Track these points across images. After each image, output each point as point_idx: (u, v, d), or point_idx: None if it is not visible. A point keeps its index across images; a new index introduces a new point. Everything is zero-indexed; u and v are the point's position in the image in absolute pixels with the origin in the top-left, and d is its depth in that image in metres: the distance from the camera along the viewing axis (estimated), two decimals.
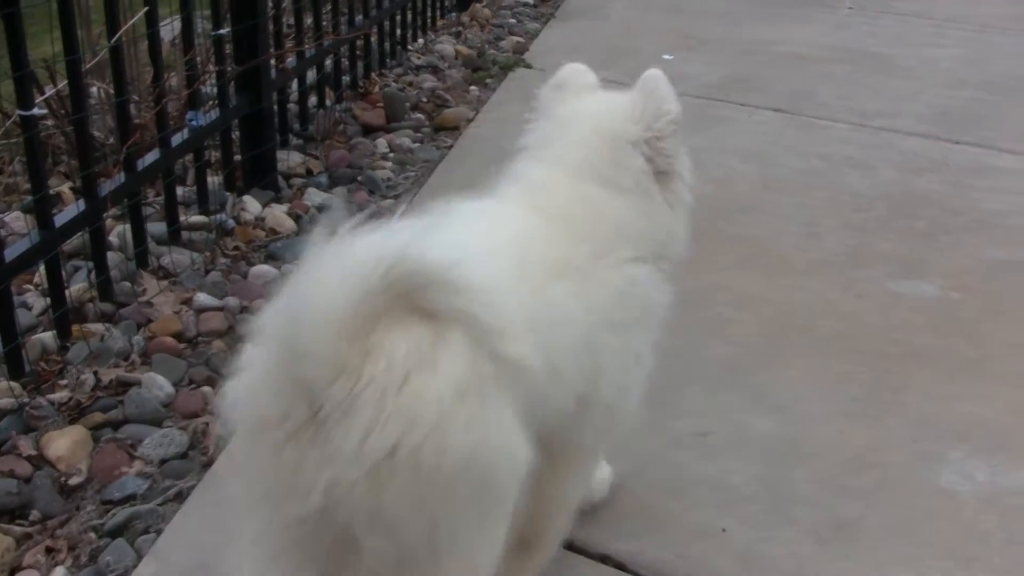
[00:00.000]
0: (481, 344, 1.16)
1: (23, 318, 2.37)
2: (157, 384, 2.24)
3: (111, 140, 2.95)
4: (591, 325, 1.46)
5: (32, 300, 2.54)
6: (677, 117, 1.67)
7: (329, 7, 3.72)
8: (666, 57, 4.57)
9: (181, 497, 1.96)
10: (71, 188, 3.02)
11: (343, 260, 1.14)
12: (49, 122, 3.04)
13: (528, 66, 4.42)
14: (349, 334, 1.13)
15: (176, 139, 2.78)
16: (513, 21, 5.18)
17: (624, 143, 1.62)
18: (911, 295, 2.73)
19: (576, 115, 1.72)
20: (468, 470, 1.15)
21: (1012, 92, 4.42)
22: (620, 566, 1.80)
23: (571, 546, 1.83)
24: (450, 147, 3.58)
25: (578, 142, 1.65)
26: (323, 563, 1.23)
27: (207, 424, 2.15)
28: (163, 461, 2.06)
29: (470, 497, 1.18)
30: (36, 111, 2.25)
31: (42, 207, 2.29)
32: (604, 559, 1.82)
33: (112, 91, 2.63)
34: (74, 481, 2.00)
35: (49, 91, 2.88)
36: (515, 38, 4.87)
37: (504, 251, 1.41)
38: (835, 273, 2.83)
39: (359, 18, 3.92)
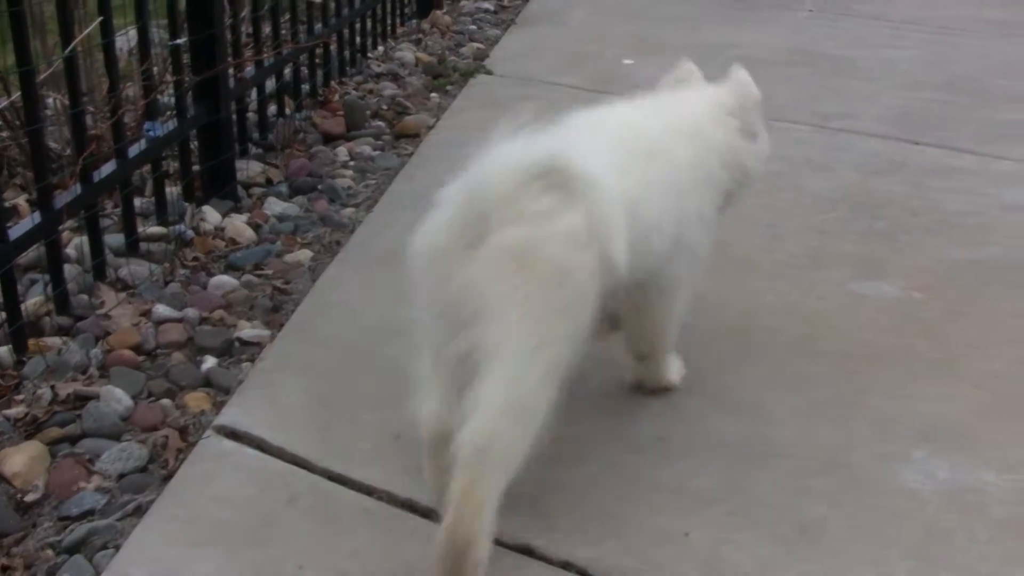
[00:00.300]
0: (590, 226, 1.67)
1: None
2: (115, 397, 2.21)
3: (67, 152, 2.92)
4: (679, 196, 2.06)
5: None
6: (758, 99, 2.39)
7: (288, 15, 3.70)
8: (627, 62, 4.57)
9: (140, 512, 1.93)
10: (27, 200, 2.98)
11: (511, 151, 1.67)
12: (3, 133, 3.00)
13: (489, 72, 4.40)
14: (516, 185, 1.66)
15: (133, 150, 2.75)
16: (474, 27, 5.17)
17: (723, 111, 2.31)
18: (873, 296, 2.74)
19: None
20: (558, 275, 1.64)
21: (971, 93, 4.44)
22: (582, 572, 1.79)
23: (532, 553, 1.81)
24: (411, 154, 3.56)
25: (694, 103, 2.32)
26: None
27: (166, 437, 2.12)
28: (122, 475, 2.03)
29: (553, 293, 1.65)
30: None
31: None
32: (566, 565, 1.80)
33: (67, 102, 2.59)
34: (31, 498, 1.96)
35: (2, 102, 2.84)
36: (476, 44, 4.86)
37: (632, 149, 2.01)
38: (798, 275, 2.83)
39: (318, 26, 3.90)
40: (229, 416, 2.18)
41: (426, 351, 1.75)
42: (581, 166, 1.68)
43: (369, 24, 4.54)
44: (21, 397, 2.24)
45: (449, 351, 1.66)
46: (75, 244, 2.71)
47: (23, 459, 2.04)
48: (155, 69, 2.93)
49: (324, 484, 2.00)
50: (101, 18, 2.59)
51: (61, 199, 2.45)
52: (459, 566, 1.60)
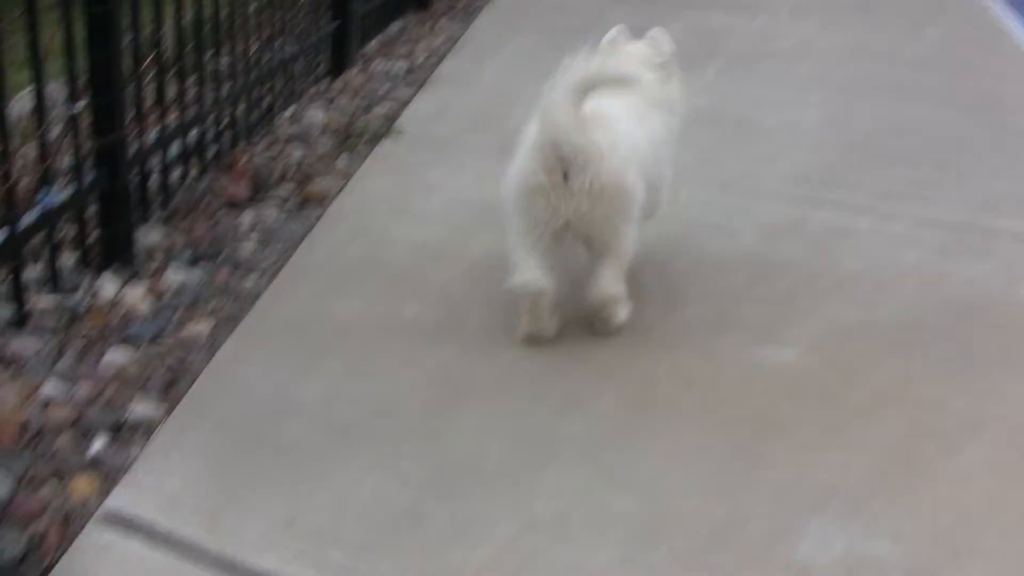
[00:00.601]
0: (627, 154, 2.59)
1: None
2: None
3: None
4: (653, 140, 2.86)
5: None
6: (671, 51, 3.21)
7: (194, 78, 3.64)
8: None
9: None
10: None
11: (564, 82, 2.44)
12: None
13: (399, 135, 4.36)
14: (579, 131, 2.45)
15: (26, 219, 2.66)
16: (386, 88, 5.13)
17: (653, 63, 3.08)
18: (770, 363, 2.73)
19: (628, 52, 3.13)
20: (627, 194, 2.58)
21: (869, 152, 4.50)
22: None
23: None
24: (317, 220, 3.50)
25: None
26: (559, 251, 2.61)
27: (47, 526, 2.02)
28: None
29: (627, 208, 2.59)
30: None
31: None
32: None
33: None
34: None
35: None
36: (386, 106, 4.82)
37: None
38: (696, 343, 2.82)
39: (226, 88, 3.84)
40: (117, 501, 2.10)
41: (525, 242, 2.58)
42: (608, 111, 2.64)
43: (279, 85, 4.48)
44: None
45: (547, 243, 2.57)
46: None
47: None
48: (52, 134, 2.84)
49: (214, 574, 1.92)
50: None
51: None
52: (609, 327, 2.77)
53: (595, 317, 2.76)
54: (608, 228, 2.59)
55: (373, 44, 5.91)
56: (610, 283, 2.66)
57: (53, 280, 2.85)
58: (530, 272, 2.58)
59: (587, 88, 2.46)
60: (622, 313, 2.77)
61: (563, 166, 2.47)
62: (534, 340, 2.72)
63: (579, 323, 2.83)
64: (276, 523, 2.04)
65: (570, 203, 2.50)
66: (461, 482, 2.19)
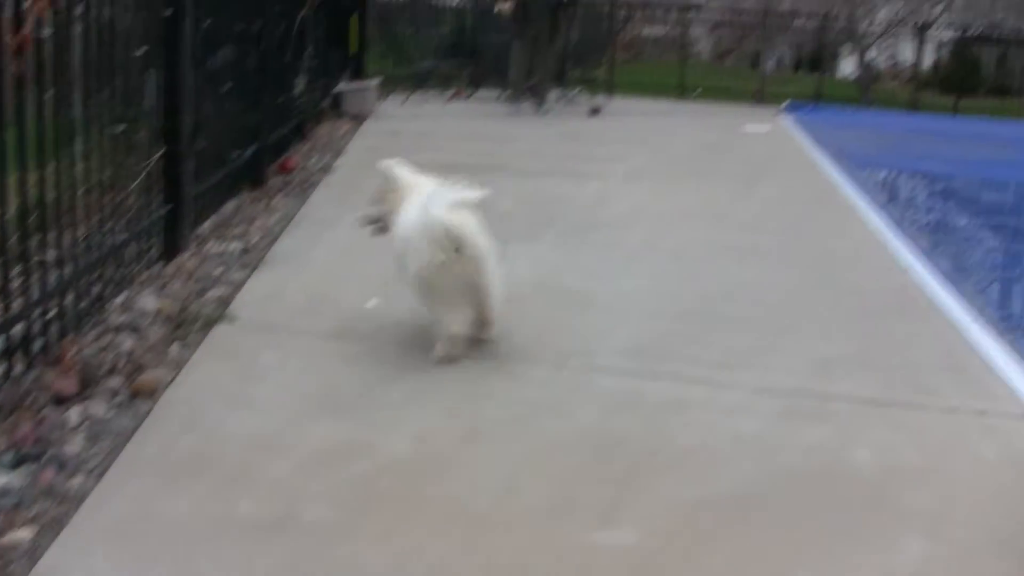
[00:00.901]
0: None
1: None
2: None
3: None
4: None
5: None
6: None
7: (20, 267, 3.61)
8: (369, 305, 4.63)
9: None
10: None
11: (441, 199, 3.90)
12: None
13: (232, 320, 4.38)
14: (461, 221, 3.87)
15: None
16: (220, 271, 5.16)
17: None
18: (609, 546, 2.80)
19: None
20: (489, 256, 3.93)
21: (704, 319, 4.70)
22: None
23: None
24: (147, 414, 3.47)
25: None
26: (470, 298, 3.95)
27: None
28: None
29: (493, 263, 3.95)
30: None
31: None
32: None
33: None
34: None
35: None
36: (221, 289, 4.84)
37: None
38: (534, 529, 2.87)
39: (54, 277, 3.81)
40: None
41: (446, 304, 3.95)
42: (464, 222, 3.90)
43: (110, 271, 4.47)
44: None
45: (464, 291, 3.91)
46: None
47: None
48: None
49: None
50: None
51: None
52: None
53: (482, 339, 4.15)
54: (487, 279, 3.95)
55: (207, 225, 5.96)
56: (492, 313, 4.11)
57: None
58: (458, 325, 3.97)
59: (457, 202, 3.88)
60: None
61: (454, 245, 3.80)
62: (452, 360, 3.99)
63: (410, 520, 2.85)
64: None
65: (465, 267, 3.85)
66: None
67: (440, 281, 3.89)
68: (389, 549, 2.70)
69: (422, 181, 4.24)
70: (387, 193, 4.30)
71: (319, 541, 2.74)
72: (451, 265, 3.83)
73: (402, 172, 4.31)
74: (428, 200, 3.89)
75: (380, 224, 4.37)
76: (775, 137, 12.43)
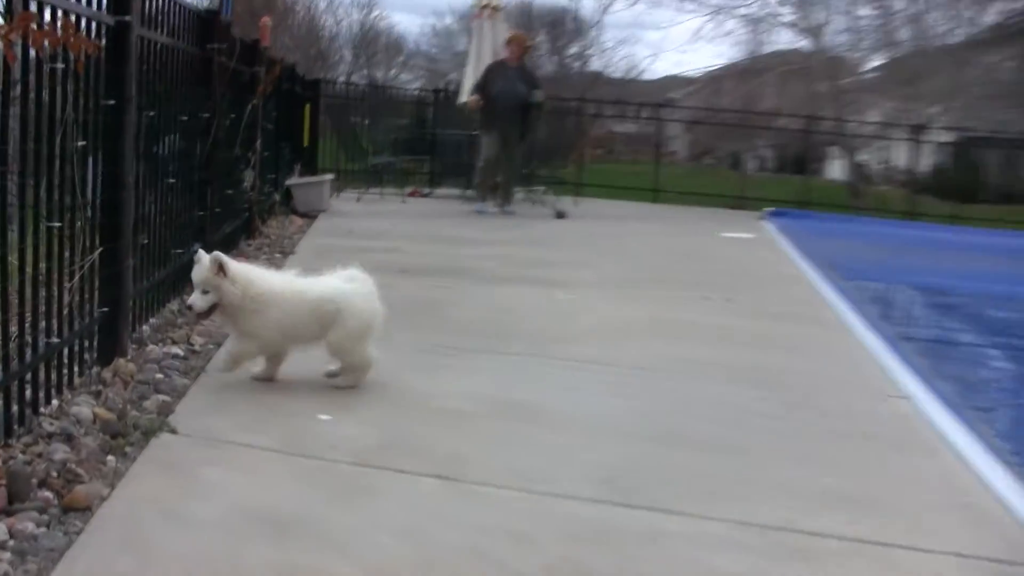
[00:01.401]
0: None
1: None
2: None
3: None
4: None
5: None
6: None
7: None
8: (323, 417, 4.70)
9: None
10: None
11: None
12: None
13: (173, 431, 4.43)
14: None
15: None
16: (160, 376, 5.21)
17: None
18: None
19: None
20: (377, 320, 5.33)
21: (680, 443, 4.76)
22: None
23: None
24: (80, 532, 3.50)
25: None
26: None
27: None
28: None
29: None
30: None
31: None
32: None
33: None
34: None
35: None
36: (161, 396, 4.90)
37: None
38: None
39: None
40: None
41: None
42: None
43: (43, 374, 4.51)
44: None
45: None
46: None
47: None
48: None
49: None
50: None
51: None
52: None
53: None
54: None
55: (148, 327, 6.02)
56: None
57: None
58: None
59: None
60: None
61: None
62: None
63: None
64: None
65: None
66: None
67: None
68: None
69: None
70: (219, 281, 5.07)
71: None
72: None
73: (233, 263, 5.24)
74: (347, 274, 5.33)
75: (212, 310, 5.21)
76: (757, 245, 12.65)
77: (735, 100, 24.70)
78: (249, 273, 5.23)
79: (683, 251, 11.64)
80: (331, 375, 5.36)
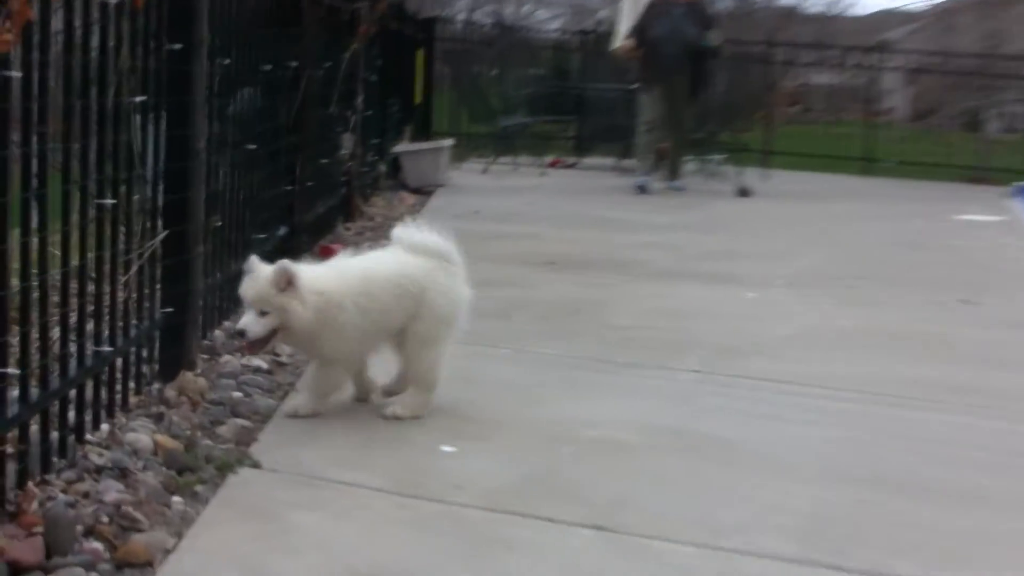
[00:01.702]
0: None
1: None
2: None
3: None
4: None
5: None
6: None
7: None
8: (445, 449, 4.64)
9: None
10: None
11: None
12: None
13: (255, 465, 4.40)
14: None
15: None
16: (238, 395, 5.21)
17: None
18: None
19: None
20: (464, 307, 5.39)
21: (906, 489, 4.57)
22: None
23: None
24: None
25: None
26: None
27: None
28: None
29: None
30: None
31: None
32: None
33: None
34: None
35: None
36: (239, 421, 4.88)
37: None
38: None
39: (14, 407, 3.87)
40: None
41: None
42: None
43: (90, 393, 4.52)
44: None
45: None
46: None
47: None
48: None
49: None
50: None
51: None
52: None
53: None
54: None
55: (221, 333, 6.03)
56: None
57: None
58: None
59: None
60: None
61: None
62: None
63: None
64: None
65: None
66: None
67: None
68: None
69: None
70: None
71: None
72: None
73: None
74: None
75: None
76: (1004, 230, 12.33)
77: (973, 41, 24.13)
78: (320, 281, 4.96)
79: (904, 239, 11.35)
80: (386, 394, 5.28)
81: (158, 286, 5.22)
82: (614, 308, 7.45)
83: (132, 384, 5.00)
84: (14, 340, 3.91)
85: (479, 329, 5.68)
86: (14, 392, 3.85)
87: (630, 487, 4.43)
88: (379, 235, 9.27)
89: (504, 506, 4.17)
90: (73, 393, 4.39)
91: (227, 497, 4.17)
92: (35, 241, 3.99)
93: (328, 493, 4.24)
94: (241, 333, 4.90)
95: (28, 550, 3.61)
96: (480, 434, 4.86)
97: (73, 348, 4.36)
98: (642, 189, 13.42)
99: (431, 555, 3.81)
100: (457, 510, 4.14)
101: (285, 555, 3.76)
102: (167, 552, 3.73)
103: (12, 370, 3.88)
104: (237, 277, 6.28)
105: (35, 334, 4.05)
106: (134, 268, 4.91)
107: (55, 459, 4.24)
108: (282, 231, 7.26)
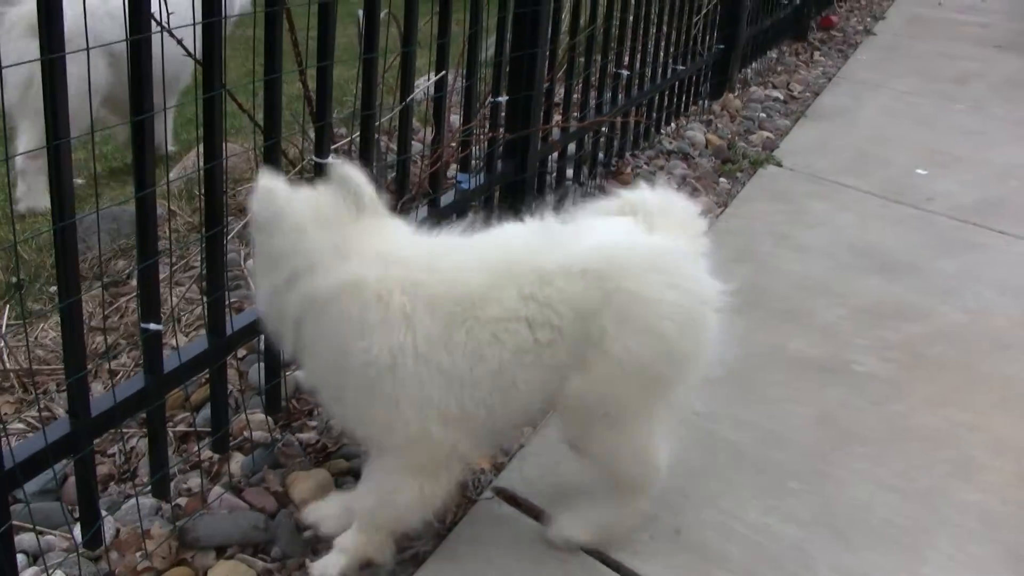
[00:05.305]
0: None
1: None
2: None
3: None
4: None
5: None
6: None
7: (596, 87, 3.71)
8: (919, 172, 4.37)
9: (417, 561, 1.92)
10: None
11: None
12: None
13: (778, 164, 4.29)
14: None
15: (445, 199, 2.78)
16: (763, 115, 5.07)
17: None
18: None
19: None
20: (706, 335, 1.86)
21: None
22: None
23: None
24: None
25: None
26: None
27: None
28: None
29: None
30: (330, 159, 2.27)
31: None
32: None
33: (396, 148, 2.65)
34: (311, 532, 1.97)
35: (342, 142, 2.90)
36: (765, 133, 4.76)
37: None
38: None
39: (620, 98, 3.89)
40: (508, 480, 2.16)
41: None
42: None
43: (664, 100, 4.50)
44: (314, 424, 2.28)
45: None
46: None
47: (310, 486, 2.07)
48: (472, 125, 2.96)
49: (601, 569, 1.93)
50: (442, 72, 2.64)
51: None
52: None
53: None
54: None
55: (750, 70, 5.86)
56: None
57: None
58: None
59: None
60: None
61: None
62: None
63: (970, 392, 2.68)
64: (664, 532, 2.03)
65: None
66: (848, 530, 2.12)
67: None
68: (946, 420, 2.53)
69: None
70: None
71: (871, 392, 2.63)
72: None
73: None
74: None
75: None
76: None
77: None
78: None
79: None
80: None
81: (715, 28, 5.08)
82: None
83: (691, 97, 4.95)
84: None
85: (943, 88, 5.28)
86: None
87: None
88: (863, 14, 8.63)
89: (967, 217, 3.89)
90: (655, 98, 4.38)
91: (758, 184, 4.08)
92: None
93: (830, 190, 4.08)
94: None
95: None
96: (946, 163, 4.54)
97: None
98: None
99: (909, 244, 3.63)
100: (929, 215, 3.91)
101: (803, 228, 3.66)
102: (716, 215, 3.70)
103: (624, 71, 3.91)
104: (767, 30, 6.08)
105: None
106: (704, 11, 4.79)
107: (642, 142, 4.27)
108: (798, 1, 6.86)
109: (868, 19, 8.34)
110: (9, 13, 3.99)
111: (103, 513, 1.88)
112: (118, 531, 1.88)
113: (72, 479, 1.95)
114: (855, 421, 2.49)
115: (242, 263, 2.83)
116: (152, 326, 1.86)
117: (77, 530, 1.85)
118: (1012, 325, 3.07)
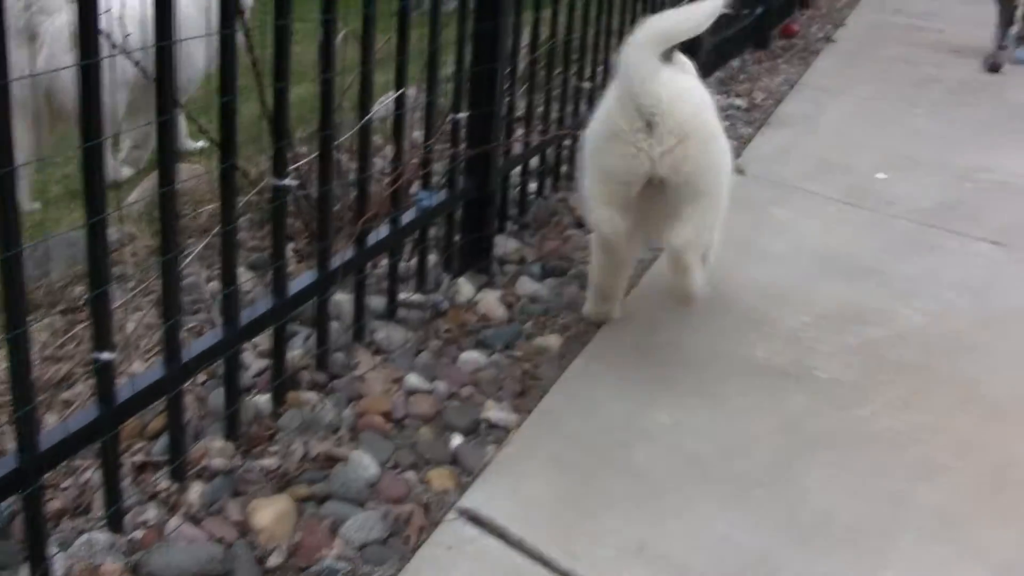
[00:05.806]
0: None
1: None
2: (363, 464, 2.18)
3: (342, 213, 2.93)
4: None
5: (249, 360, 2.52)
6: None
7: (559, 100, 3.68)
8: (880, 176, 4.35)
9: None
10: (294, 250, 3.04)
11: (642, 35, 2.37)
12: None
13: (741, 172, 4.25)
14: (654, 79, 2.37)
15: (406, 217, 2.74)
16: (726, 124, 5.03)
17: None
18: None
19: None
20: (711, 134, 2.47)
21: None
22: None
23: None
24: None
25: None
26: (633, 209, 2.47)
27: (411, 512, 2.06)
28: (363, 546, 1.98)
29: (711, 150, 2.46)
30: (288, 182, 2.23)
31: (278, 275, 2.27)
32: None
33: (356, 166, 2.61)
34: (273, 561, 1.92)
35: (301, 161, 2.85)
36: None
37: None
38: None
39: (583, 110, 3.86)
40: (473, 499, 2.12)
41: (602, 191, 2.50)
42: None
43: None
44: (275, 449, 2.23)
45: (624, 196, 2.47)
46: (334, 303, 2.70)
47: (271, 514, 2.03)
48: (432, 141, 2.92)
49: None
50: (402, 90, 2.60)
51: (336, 260, 2.45)
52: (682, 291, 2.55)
53: (672, 284, 2.57)
54: (696, 171, 2.38)
55: (713, 79, 5.84)
56: (689, 233, 2.42)
57: (419, 278, 2.93)
58: (605, 212, 2.50)
59: (664, 41, 2.42)
60: (698, 279, 2.52)
61: (643, 115, 2.35)
62: (599, 320, 2.88)
63: (929, 394, 2.66)
64: (626, 547, 2.00)
65: (655, 149, 2.35)
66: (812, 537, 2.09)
67: (607, 164, 2.47)
68: (907, 423, 2.51)
69: None
70: None
71: (833, 398, 2.61)
72: (630, 141, 2.38)
73: None
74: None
75: None
76: None
77: None
78: None
79: None
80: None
81: None
82: (1016, 88, 6.57)
83: None
84: None
85: (903, 93, 5.30)
86: None
87: (1018, 216, 4.02)
88: (824, 22, 8.64)
89: (926, 220, 3.88)
90: None
91: None
92: None
93: (794, 196, 4.06)
94: None
95: None
96: (904, 167, 4.53)
97: None
98: None
99: (871, 248, 3.60)
100: (890, 219, 3.89)
101: (767, 235, 3.63)
102: None
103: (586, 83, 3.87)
104: (727, 40, 6.06)
105: None
106: None
107: None
108: (759, 10, 6.83)
109: (828, 26, 8.33)
110: None
111: (54, 550, 1.83)
112: (70, 568, 1.82)
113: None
114: (819, 427, 2.47)
115: (203, 286, 2.78)
116: (104, 355, 1.81)
117: (25, 570, 1.79)
118: (971, 326, 3.05)
